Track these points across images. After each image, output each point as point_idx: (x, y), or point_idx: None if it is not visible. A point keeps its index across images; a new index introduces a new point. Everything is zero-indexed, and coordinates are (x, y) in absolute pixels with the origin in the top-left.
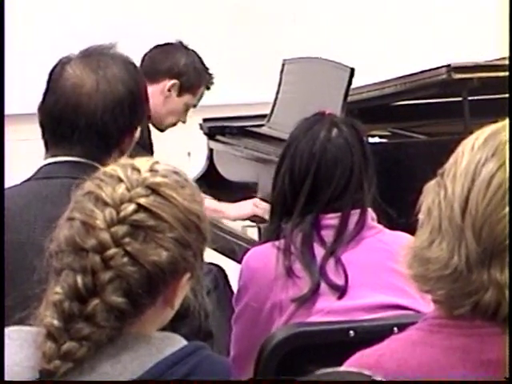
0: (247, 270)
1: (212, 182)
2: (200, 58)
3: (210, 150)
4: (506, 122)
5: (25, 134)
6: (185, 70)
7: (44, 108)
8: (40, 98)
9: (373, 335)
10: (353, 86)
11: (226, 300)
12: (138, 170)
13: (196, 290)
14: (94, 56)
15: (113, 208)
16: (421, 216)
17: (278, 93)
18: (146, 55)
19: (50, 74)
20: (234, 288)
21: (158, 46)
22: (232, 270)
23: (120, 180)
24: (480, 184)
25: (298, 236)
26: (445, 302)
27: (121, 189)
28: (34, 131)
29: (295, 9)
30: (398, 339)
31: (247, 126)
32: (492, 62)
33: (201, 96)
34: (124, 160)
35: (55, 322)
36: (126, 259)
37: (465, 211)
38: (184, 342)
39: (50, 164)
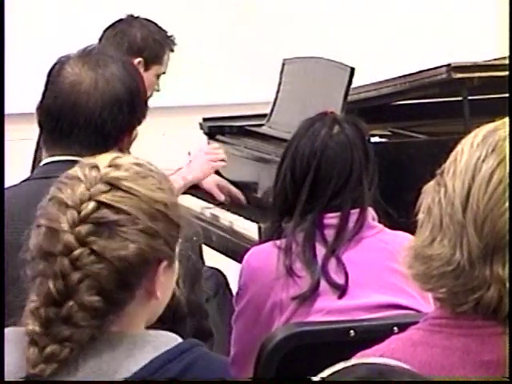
0: (248, 270)
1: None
2: (156, 24)
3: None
4: (505, 119)
5: (25, 133)
6: (144, 44)
7: (42, 106)
8: (40, 98)
9: (373, 335)
10: (353, 86)
11: (227, 306)
12: (97, 167)
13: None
14: (92, 55)
15: (73, 209)
16: (421, 215)
17: (277, 93)
18: (100, 39)
19: (49, 73)
20: (234, 292)
21: (110, 26)
22: (232, 273)
23: (79, 180)
24: (481, 180)
25: (299, 235)
26: (447, 300)
27: (80, 188)
28: (34, 131)
29: (295, 9)
30: (399, 339)
31: (247, 126)
32: (492, 62)
33: (168, 60)
34: (85, 159)
35: (36, 329)
36: (92, 257)
37: (466, 207)
38: (179, 340)
39: (48, 163)
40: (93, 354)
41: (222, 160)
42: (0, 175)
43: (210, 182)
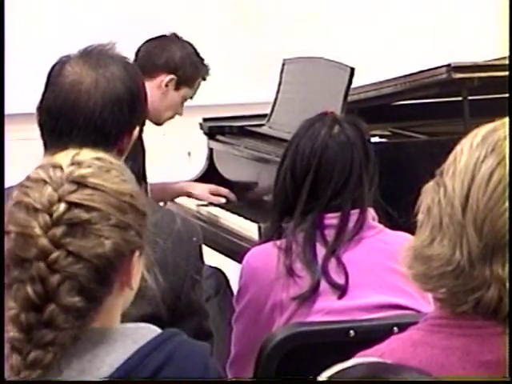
0: (248, 270)
1: (212, 181)
2: (195, 49)
3: (210, 150)
4: (505, 120)
5: (25, 133)
6: (181, 63)
7: (43, 106)
8: (40, 98)
9: (373, 335)
10: (353, 86)
11: (227, 305)
12: (60, 167)
13: (148, 266)
14: (93, 55)
15: (44, 212)
16: (420, 216)
17: (278, 93)
18: (140, 49)
19: (49, 73)
20: (235, 292)
21: (152, 39)
22: (233, 273)
23: (45, 182)
24: (480, 180)
25: (300, 235)
26: (447, 300)
27: (47, 191)
28: (34, 131)
29: (295, 9)
30: (399, 339)
31: (247, 126)
32: (492, 62)
33: (197, 87)
34: (45, 160)
35: (17, 335)
36: (70, 259)
37: (465, 207)
38: (159, 331)
39: None
40: (74, 354)
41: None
42: (0, 175)
43: (203, 190)
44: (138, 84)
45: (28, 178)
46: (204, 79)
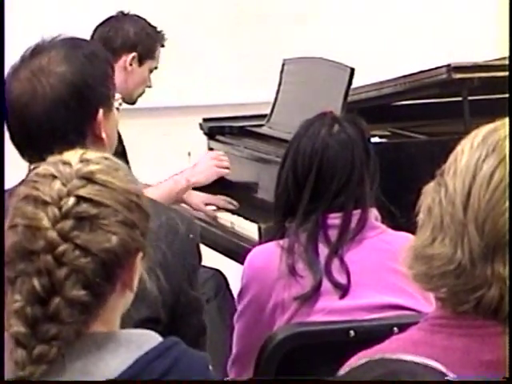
0: (250, 269)
1: (212, 181)
2: (146, 20)
3: (210, 150)
4: (505, 120)
5: None
6: (137, 39)
7: (7, 126)
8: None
9: (372, 335)
10: (353, 86)
11: (227, 307)
12: (69, 163)
13: (150, 268)
14: (33, 60)
15: (54, 205)
16: (421, 216)
17: (278, 93)
18: (92, 37)
19: (4, 83)
20: (235, 294)
21: (102, 24)
22: (232, 273)
23: (54, 177)
24: (481, 179)
25: (302, 235)
26: (448, 299)
27: (57, 185)
28: None
29: (295, 9)
30: (399, 339)
31: (247, 126)
32: (492, 62)
33: (159, 55)
34: (52, 157)
35: (21, 329)
36: (77, 252)
37: (467, 207)
38: (160, 339)
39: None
40: (79, 355)
41: (227, 168)
42: (0, 175)
43: (198, 204)
44: (83, 70)
45: (36, 174)
46: (163, 46)
